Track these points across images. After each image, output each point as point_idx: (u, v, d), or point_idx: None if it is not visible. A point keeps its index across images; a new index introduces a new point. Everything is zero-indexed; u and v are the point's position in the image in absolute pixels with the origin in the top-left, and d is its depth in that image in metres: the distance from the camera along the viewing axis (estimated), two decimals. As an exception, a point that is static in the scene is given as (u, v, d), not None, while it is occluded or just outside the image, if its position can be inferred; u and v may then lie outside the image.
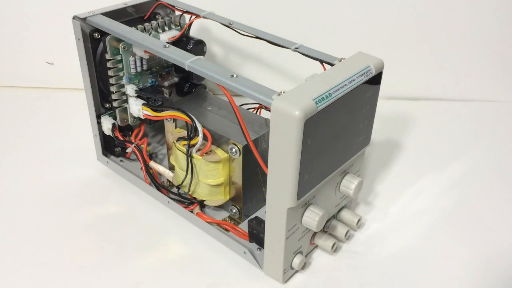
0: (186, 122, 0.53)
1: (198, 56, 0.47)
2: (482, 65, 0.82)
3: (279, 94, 0.41)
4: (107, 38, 0.54)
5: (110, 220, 0.59)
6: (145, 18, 0.62)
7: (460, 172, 0.68)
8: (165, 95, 0.61)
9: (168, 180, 0.61)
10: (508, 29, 0.79)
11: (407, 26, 0.79)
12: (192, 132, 0.53)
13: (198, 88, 0.62)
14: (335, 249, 0.53)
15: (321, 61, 0.50)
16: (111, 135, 0.61)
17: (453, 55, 0.81)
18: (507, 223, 0.60)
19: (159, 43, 0.50)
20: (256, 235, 0.51)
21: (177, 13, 0.62)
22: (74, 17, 0.55)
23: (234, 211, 0.56)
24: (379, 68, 0.47)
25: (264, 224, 0.50)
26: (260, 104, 0.58)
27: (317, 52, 0.50)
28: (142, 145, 0.62)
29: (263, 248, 0.50)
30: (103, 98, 0.61)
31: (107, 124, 0.61)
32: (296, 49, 0.51)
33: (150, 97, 0.57)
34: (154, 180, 0.60)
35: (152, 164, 0.61)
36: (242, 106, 0.60)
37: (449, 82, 0.83)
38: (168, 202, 0.58)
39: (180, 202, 0.57)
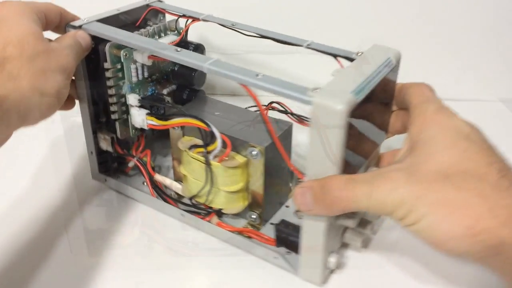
0: (200, 129, 0.50)
1: (215, 58, 0.46)
2: (482, 65, 0.83)
3: (314, 90, 0.40)
4: (107, 46, 0.51)
5: (124, 250, 0.53)
6: (137, 24, 0.58)
7: None
8: (167, 103, 0.58)
9: (176, 193, 0.58)
10: (508, 28, 0.80)
11: (406, 26, 0.79)
12: (207, 138, 0.50)
13: (198, 94, 0.60)
14: (364, 245, 0.52)
15: (335, 56, 0.49)
16: (110, 150, 0.58)
17: (453, 55, 0.82)
18: None
19: (170, 47, 0.47)
20: (285, 239, 0.49)
21: (170, 18, 0.59)
22: (68, 25, 0.51)
23: (253, 217, 0.54)
24: (398, 58, 0.47)
25: (293, 226, 0.49)
26: (269, 104, 0.57)
27: (330, 48, 0.49)
28: (145, 158, 0.58)
29: (293, 252, 0.49)
30: (98, 111, 0.57)
31: (105, 139, 0.57)
32: (308, 46, 0.50)
33: (155, 105, 0.54)
34: (162, 193, 0.57)
35: (158, 177, 0.58)
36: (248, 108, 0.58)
37: (449, 82, 0.83)
38: (182, 215, 0.55)
39: (195, 213, 0.55)
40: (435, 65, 0.83)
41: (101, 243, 0.53)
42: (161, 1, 0.61)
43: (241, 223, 0.55)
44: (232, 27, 0.54)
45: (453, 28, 0.80)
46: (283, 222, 0.50)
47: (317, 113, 0.39)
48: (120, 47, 0.52)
